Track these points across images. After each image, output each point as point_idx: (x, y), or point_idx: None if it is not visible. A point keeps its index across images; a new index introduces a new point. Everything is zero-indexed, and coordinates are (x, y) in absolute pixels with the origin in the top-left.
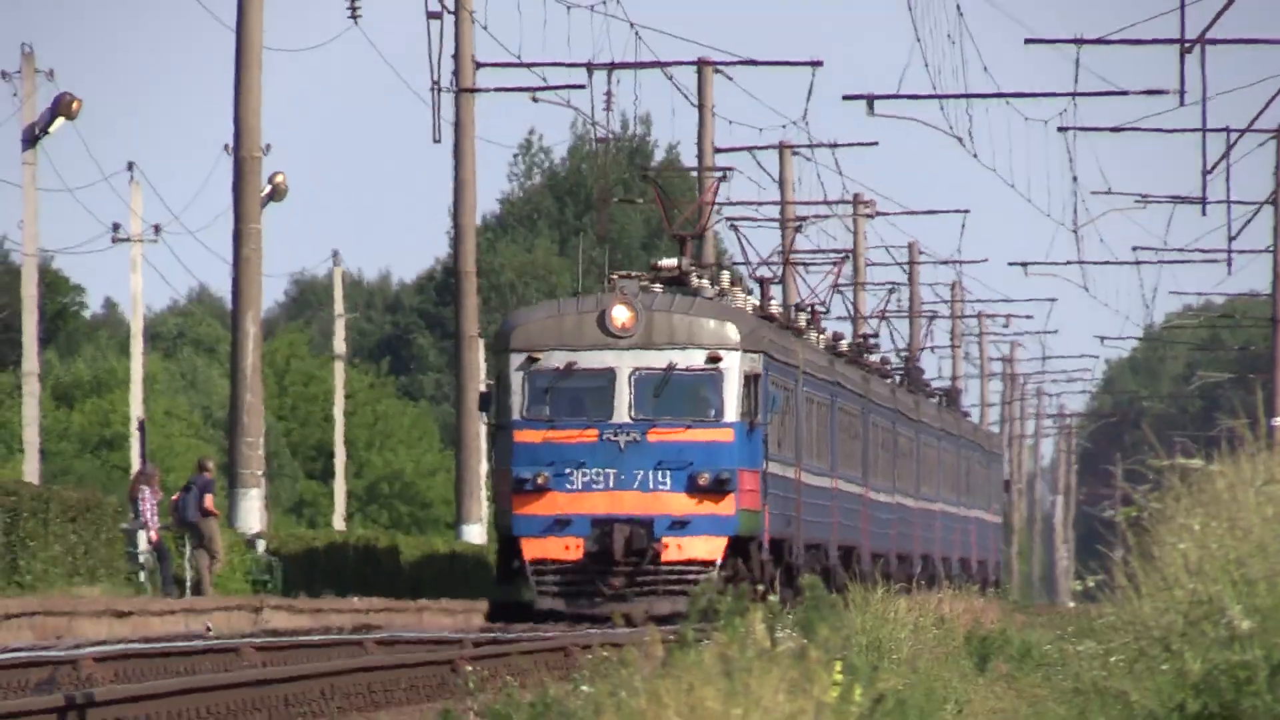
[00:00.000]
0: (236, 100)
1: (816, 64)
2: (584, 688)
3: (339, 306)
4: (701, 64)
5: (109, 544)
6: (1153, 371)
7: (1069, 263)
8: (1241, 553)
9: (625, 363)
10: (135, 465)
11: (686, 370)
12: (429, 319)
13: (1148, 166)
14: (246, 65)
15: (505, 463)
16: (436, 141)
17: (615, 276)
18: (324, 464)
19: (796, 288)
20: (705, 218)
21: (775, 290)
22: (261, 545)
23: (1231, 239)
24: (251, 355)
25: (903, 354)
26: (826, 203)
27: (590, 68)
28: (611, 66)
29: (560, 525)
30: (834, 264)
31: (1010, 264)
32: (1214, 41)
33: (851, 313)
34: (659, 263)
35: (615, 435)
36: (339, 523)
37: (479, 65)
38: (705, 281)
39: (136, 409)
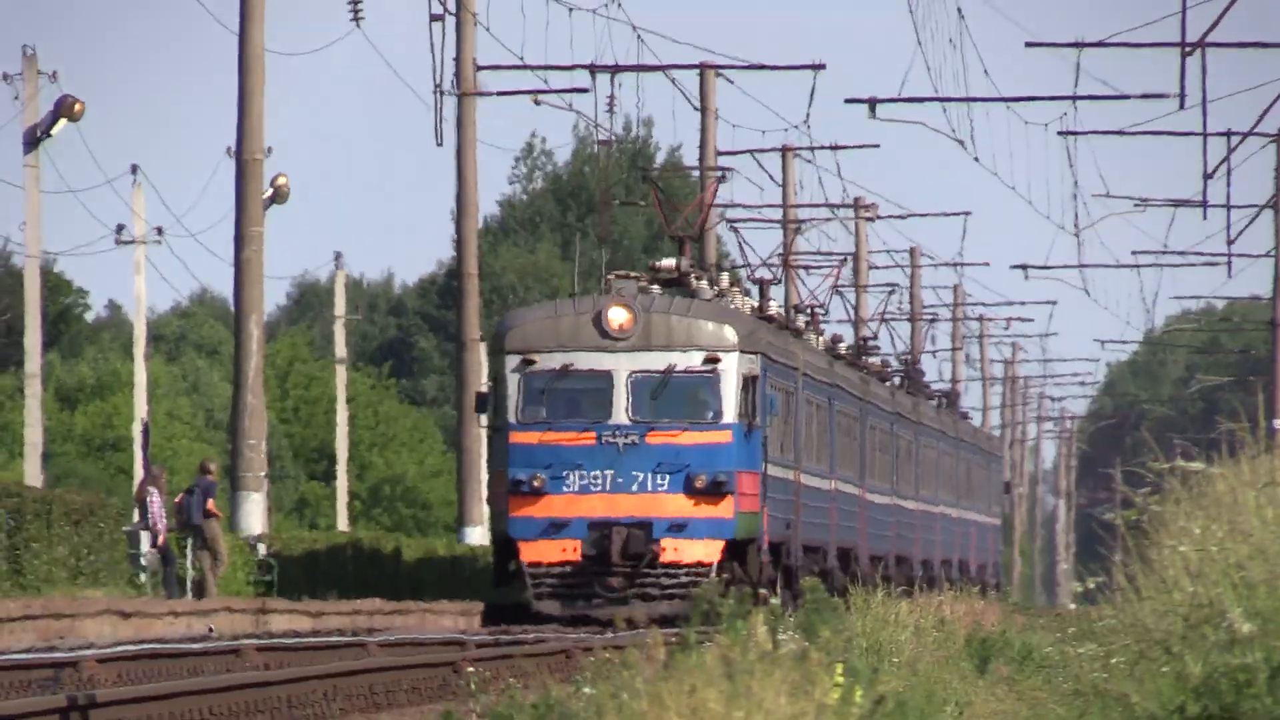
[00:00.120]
0: (239, 103)
1: (819, 67)
2: (586, 689)
3: (341, 309)
4: (704, 67)
5: (112, 546)
6: (1153, 375)
7: (1070, 266)
8: (1242, 556)
9: (623, 365)
10: (138, 467)
11: (684, 372)
12: (431, 322)
13: (1148, 170)
14: (249, 68)
15: (501, 465)
16: (439, 144)
17: (613, 277)
18: (326, 466)
19: (797, 290)
20: (704, 218)
21: (775, 292)
22: (263, 547)
23: (1231, 243)
24: (254, 358)
25: (903, 357)
26: (828, 205)
27: (593, 70)
28: (614, 69)
29: (557, 528)
30: (834, 266)
31: (1011, 267)
32: (1214, 45)
33: (852, 315)
34: (657, 264)
35: (614, 437)
36: (342, 524)
37: (481, 68)
38: (704, 283)
39: (139, 411)
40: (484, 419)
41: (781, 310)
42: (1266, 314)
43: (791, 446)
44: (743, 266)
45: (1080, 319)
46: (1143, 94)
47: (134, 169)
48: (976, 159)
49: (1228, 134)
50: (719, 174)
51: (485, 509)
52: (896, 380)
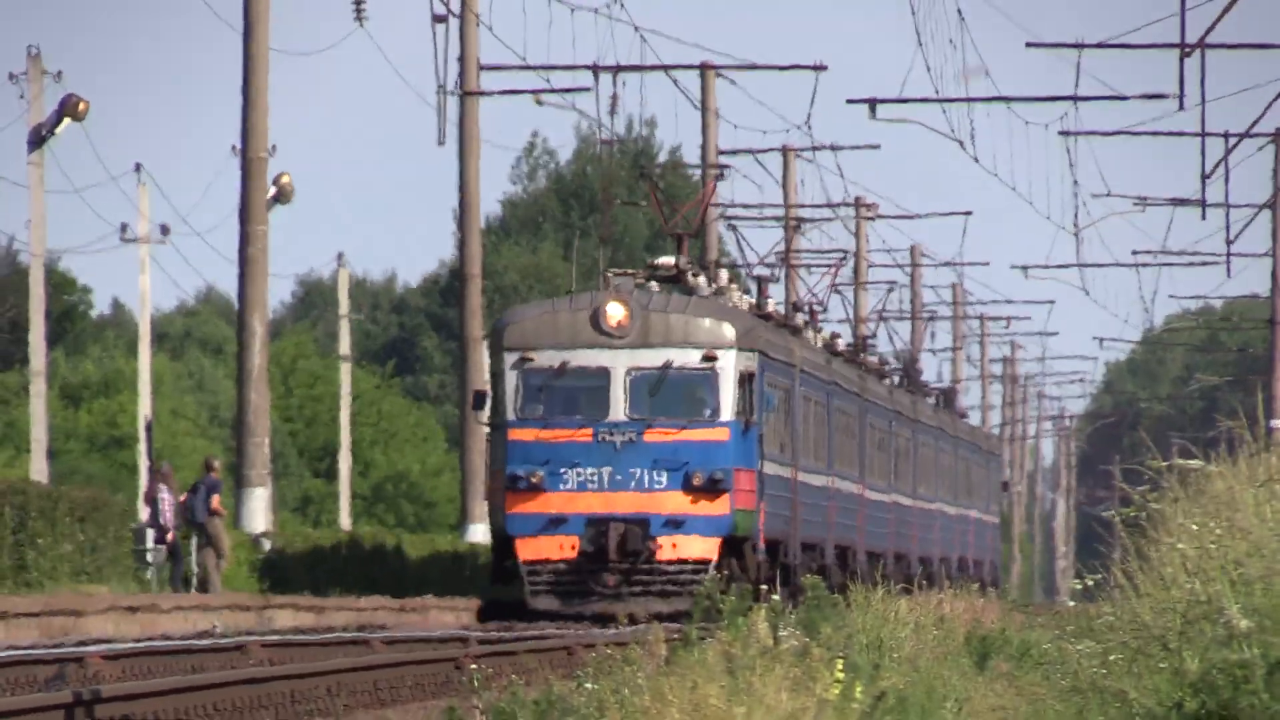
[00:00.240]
0: (244, 102)
1: (820, 68)
2: (588, 685)
3: (344, 308)
4: (705, 67)
5: (116, 543)
6: (1152, 373)
7: (1069, 265)
8: (1239, 553)
9: (620, 362)
10: (143, 465)
11: (682, 369)
12: (434, 320)
13: (1147, 170)
14: (253, 68)
15: (499, 462)
16: (441, 144)
17: (611, 274)
18: (329, 464)
19: (797, 289)
20: (701, 216)
21: (774, 290)
22: (266, 544)
23: (1230, 242)
24: (258, 356)
25: (903, 355)
26: (829, 205)
27: (595, 70)
28: (616, 70)
29: (554, 524)
30: (833, 264)
31: (1011, 266)
32: (1213, 46)
33: (851, 314)
34: (655, 261)
35: (611, 434)
36: (345, 522)
37: (483, 68)
38: (702, 280)
39: (144, 409)
40: (483, 416)
41: (780, 308)
42: (1265, 313)
43: (789, 444)
44: (742, 266)
45: (1079, 318)
46: (1142, 94)
47: (138, 168)
48: (976, 159)
49: (1226, 134)
50: (717, 171)
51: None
52: (895, 378)
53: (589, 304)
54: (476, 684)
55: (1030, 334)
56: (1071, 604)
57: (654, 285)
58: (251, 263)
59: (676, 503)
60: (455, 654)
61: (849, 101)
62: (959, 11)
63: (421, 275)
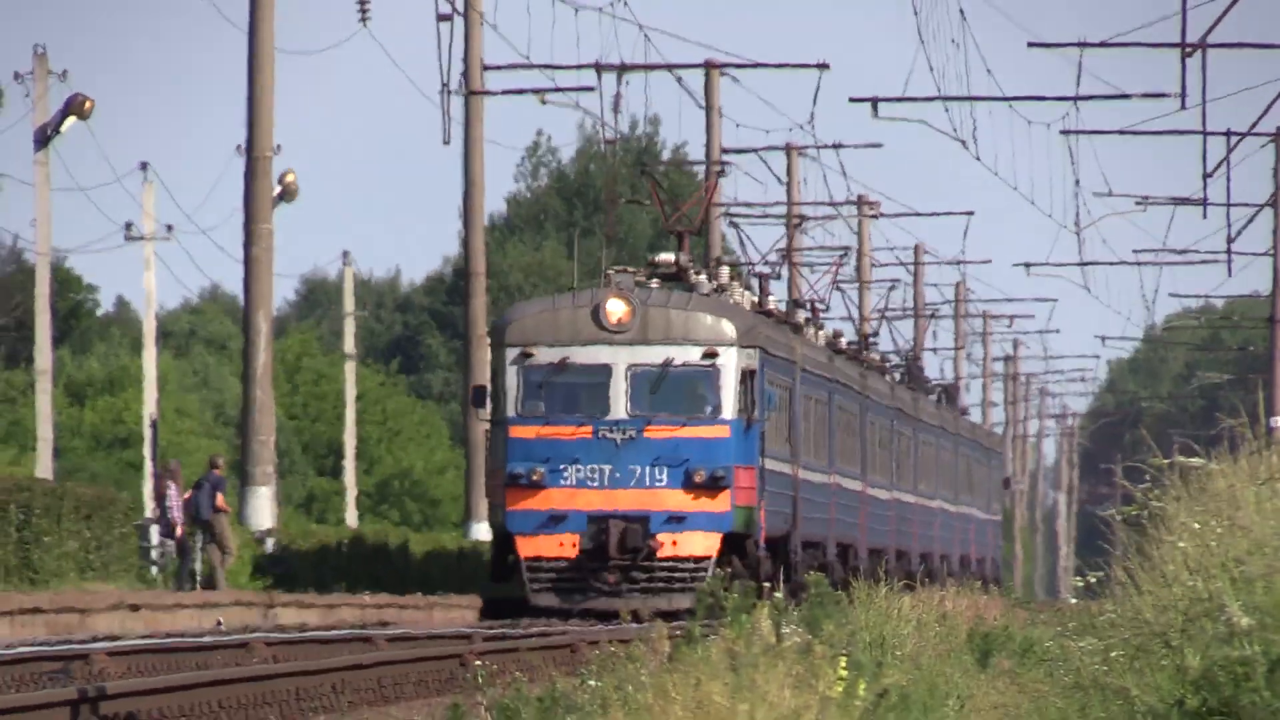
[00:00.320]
0: (248, 101)
1: (823, 66)
2: (592, 683)
3: (349, 306)
4: (709, 66)
5: (121, 540)
6: (1153, 372)
7: (1071, 264)
8: (1240, 551)
9: (621, 358)
10: (148, 463)
11: (683, 366)
12: (438, 319)
13: (1149, 169)
14: (258, 67)
15: (500, 459)
16: (446, 143)
17: (612, 272)
18: (334, 461)
19: (799, 287)
20: (703, 213)
21: (777, 288)
22: (271, 542)
23: (1231, 241)
24: (263, 354)
25: (905, 353)
26: (832, 204)
27: (599, 69)
28: (620, 68)
29: (555, 521)
30: (834, 261)
31: (1014, 265)
32: (1215, 45)
33: (854, 312)
34: (656, 258)
35: (611, 431)
36: (350, 519)
37: (488, 67)
38: (703, 277)
39: (149, 407)
40: (483, 413)
41: (781, 305)
42: (1266, 311)
43: (790, 441)
44: (744, 264)
45: (1081, 316)
46: (1143, 94)
47: (143, 166)
48: (979, 158)
49: (1227, 133)
50: (718, 168)
51: None
52: (896, 376)
53: (590, 301)
54: (480, 681)
55: (1032, 332)
56: (1074, 601)
57: (655, 282)
58: (256, 261)
59: (677, 500)
60: (459, 651)
61: (852, 100)
62: (961, 11)
63: (426, 273)
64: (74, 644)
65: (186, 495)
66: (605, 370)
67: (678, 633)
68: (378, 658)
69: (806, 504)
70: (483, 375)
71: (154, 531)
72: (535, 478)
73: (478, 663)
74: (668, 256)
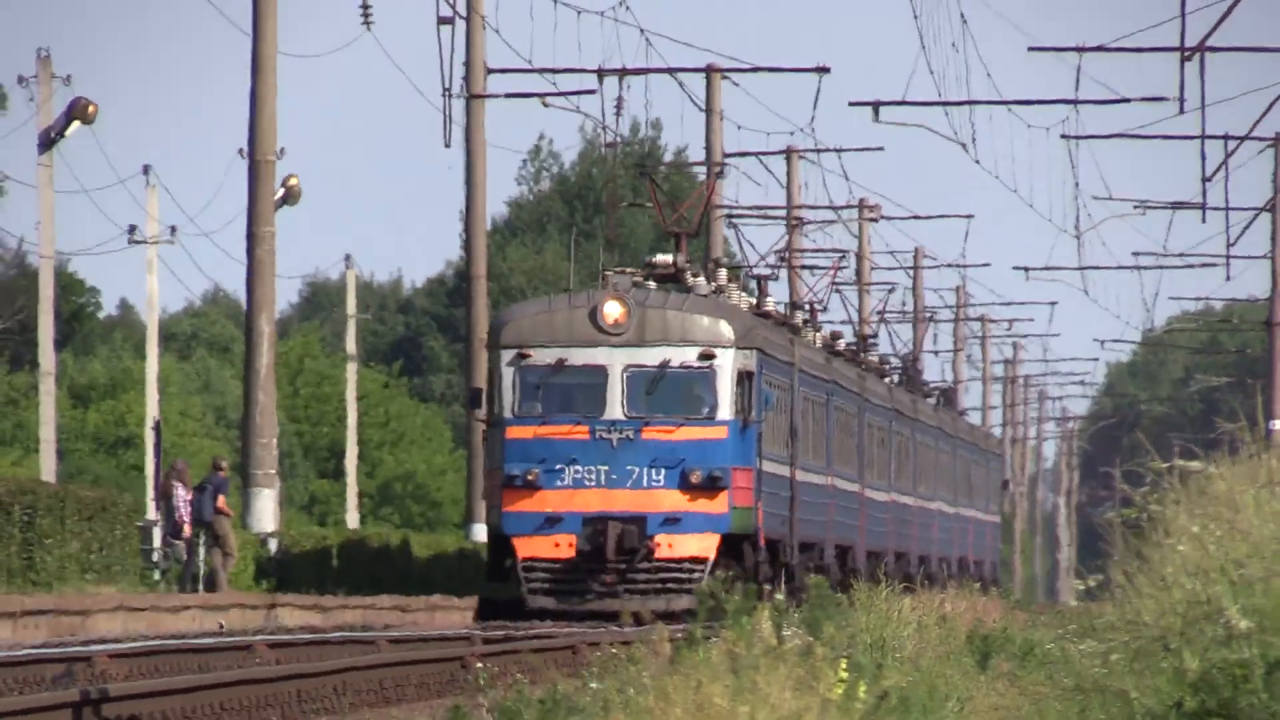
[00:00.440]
0: (251, 105)
1: (824, 70)
2: (593, 685)
3: (352, 308)
4: (710, 70)
5: (124, 542)
6: (1152, 375)
7: (1070, 268)
8: (1239, 554)
9: (618, 359)
10: (150, 465)
11: (680, 367)
12: (440, 321)
13: (1148, 173)
14: (261, 70)
15: (496, 460)
16: (447, 146)
17: (609, 273)
18: (336, 463)
19: (799, 289)
20: (701, 214)
21: (776, 289)
22: (274, 544)
23: (1230, 244)
24: (265, 356)
25: (904, 356)
26: (832, 207)
27: (600, 73)
28: (622, 72)
29: (551, 523)
30: (832, 264)
31: (1013, 268)
32: (1214, 49)
33: (853, 314)
34: (654, 259)
35: (608, 432)
36: (352, 521)
37: (490, 71)
38: (700, 279)
39: (152, 409)
40: (479, 414)
41: (779, 307)
42: (1264, 315)
43: (788, 443)
44: (744, 268)
45: (1081, 320)
46: (1142, 98)
47: (146, 170)
48: (978, 162)
49: (1226, 138)
50: (717, 169)
51: None
52: (895, 378)
53: (587, 302)
54: (482, 683)
55: (1032, 335)
56: (1073, 604)
57: (653, 284)
58: (259, 264)
59: (674, 501)
60: (461, 653)
61: (852, 104)
62: (961, 15)
63: (427, 276)
64: (76, 646)
65: (189, 496)
66: (602, 371)
67: (679, 635)
68: (379, 659)
69: (804, 505)
70: (482, 377)
71: (156, 534)
72: (532, 479)
73: (479, 664)
74: (665, 258)
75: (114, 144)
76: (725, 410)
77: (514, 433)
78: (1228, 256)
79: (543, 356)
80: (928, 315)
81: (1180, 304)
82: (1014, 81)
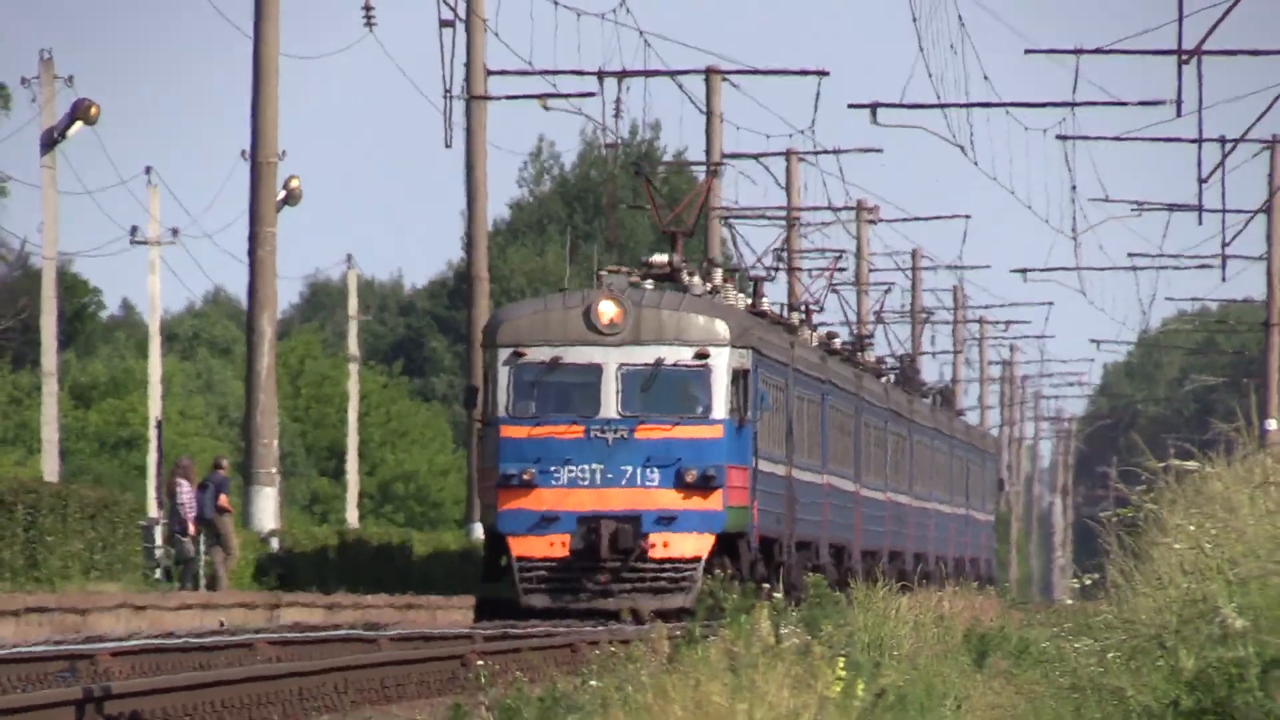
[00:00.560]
0: (253, 106)
1: (823, 73)
2: (592, 683)
3: (353, 309)
4: (710, 72)
5: (126, 540)
6: (1149, 376)
7: (1067, 269)
8: (1235, 553)
9: (612, 358)
10: (152, 465)
11: (675, 366)
12: (441, 322)
13: (1145, 175)
14: (263, 72)
15: (491, 459)
16: (448, 147)
17: (604, 273)
18: (337, 463)
19: (797, 291)
20: (697, 214)
21: (774, 289)
22: (275, 543)
23: (1226, 246)
24: (266, 356)
25: (901, 356)
26: (831, 208)
27: (600, 75)
28: (622, 74)
29: (546, 522)
30: (830, 265)
31: (1011, 270)
32: (1210, 53)
33: (851, 315)
34: (649, 259)
35: (603, 431)
36: (353, 520)
37: (490, 73)
38: (696, 278)
39: (154, 409)
40: (475, 413)
41: (775, 306)
42: (1260, 316)
43: (783, 442)
44: (739, 270)
45: (1077, 321)
46: (1140, 100)
47: (148, 171)
48: (976, 163)
49: (1223, 140)
50: (711, 168)
51: None
52: (891, 377)
53: (581, 301)
54: (482, 681)
55: (1029, 336)
56: (1069, 602)
57: (649, 284)
58: (261, 264)
59: (668, 500)
60: (461, 651)
61: (851, 106)
62: (960, 18)
63: (428, 277)
64: (79, 644)
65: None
66: (596, 370)
67: (677, 633)
68: (380, 658)
69: (800, 505)
70: (479, 376)
71: (158, 533)
72: (527, 478)
73: (479, 663)
74: (661, 257)
75: (116, 145)
76: (720, 409)
77: (509, 432)
78: (1223, 257)
79: (538, 356)
80: (925, 316)
81: (1176, 305)
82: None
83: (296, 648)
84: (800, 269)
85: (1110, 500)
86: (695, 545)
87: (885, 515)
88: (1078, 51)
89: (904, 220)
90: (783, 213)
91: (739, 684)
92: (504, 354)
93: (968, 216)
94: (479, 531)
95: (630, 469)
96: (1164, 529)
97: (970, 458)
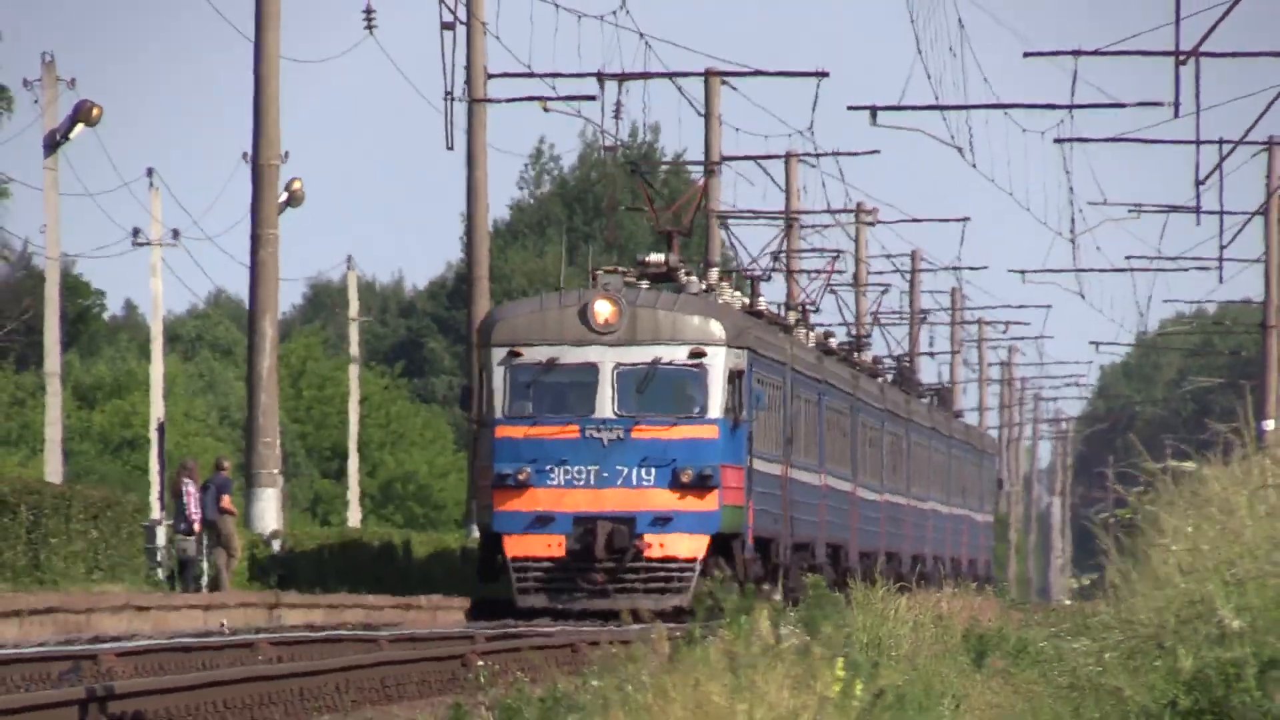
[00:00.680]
0: (255, 109)
1: (822, 75)
2: (593, 683)
3: (354, 310)
4: (709, 74)
5: (129, 541)
6: (1147, 377)
7: (1066, 270)
8: (1232, 554)
9: (608, 358)
10: (155, 465)
11: (670, 366)
12: (442, 323)
13: (1142, 177)
14: (265, 75)
15: (487, 459)
16: (449, 149)
17: (600, 272)
18: (339, 464)
19: (795, 292)
20: (693, 213)
21: (771, 290)
22: (277, 544)
23: (1223, 248)
24: (268, 357)
25: (899, 357)
26: (830, 211)
27: (600, 78)
28: (621, 77)
29: (542, 522)
30: (827, 263)
31: (1009, 271)
32: (1208, 55)
33: (848, 315)
34: (645, 258)
35: (598, 431)
36: (354, 521)
37: (491, 76)
38: (693, 278)
39: (156, 410)
40: (469, 414)
41: (772, 307)
42: (1257, 317)
43: (779, 442)
44: (737, 270)
45: (1076, 322)
46: (1137, 102)
47: (150, 173)
48: (975, 165)
49: (1220, 142)
50: (708, 167)
51: None
52: (889, 378)
53: (577, 301)
54: (483, 681)
55: (1027, 338)
56: (1068, 603)
57: (645, 283)
58: (262, 266)
59: (664, 500)
60: (462, 651)
61: (850, 108)
62: (959, 20)
63: (429, 278)
64: (82, 644)
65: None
66: (592, 370)
67: (677, 634)
68: (381, 658)
69: (796, 505)
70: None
71: (160, 533)
72: (522, 478)
73: (480, 663)
74: (657, 257)
75: (118, 147)
76: (716, 409)
77: (504, 432)
78: (1221, 259)
79: (533, 355)
80: (922, 316)
81: (1174, 306)
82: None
83: (298, 648)
84: (799, 271)
85: (1109, 501)
86: (691, 546)
87: (882, 516)
88: (1076, 53)
89: (903, 222)
90: (781, 215)
91: (739, 684)
92: (499, 353)
93: (966, 218)
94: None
95: (626, 469)
96: (1162, 530)
97: (968, 458)
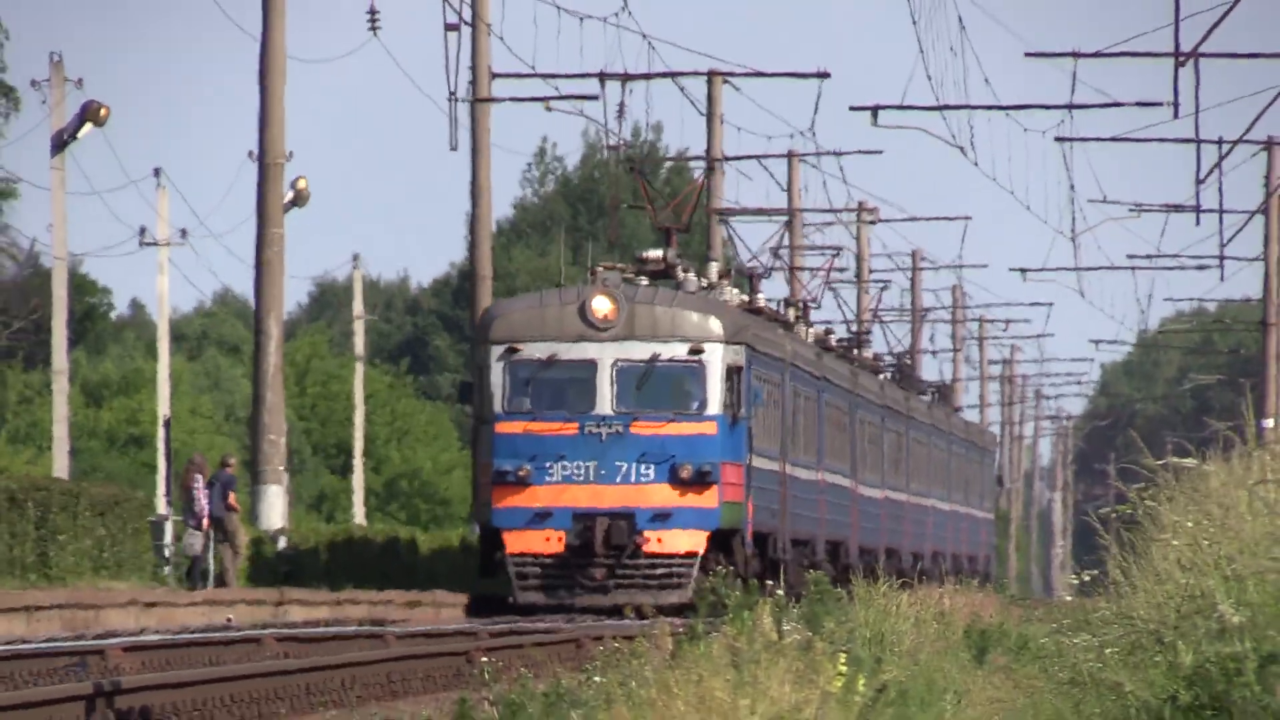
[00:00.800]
0: (261, 109)
1: (824, 75)
2: (596, 678)
3: (359, 308)
4: (711, 74)
5: (136, 538)
6: (1147, 375)
7: (1066, 269)
8: (1232, 550)
9: (607, 354)
10: (161, 463)
11: (669, 362)
12: (446, 321)
13: (1142, 176)
14: (270, 75)
15: (486, 455)
16: (453, 149)
17: (599, 268)
18: (344, 461)
19: (797, 290)
20: (691, 210)
21: (771, 287)
22: (282, 540)
23: (1223, 246)
24: (273, 355)
25: (899, 354)
26: (832, 210)
27: (603, 78)
28: (624, 77)
29: (541, 518)
30: (827, 262)
31: (1010, 270)
32: (1207, 55)
33: (849, 313)
34: (644, 255)
35: (597, 427)
36: (360, 518)
37: (494, 75)
38: (691, 274)
39: (163, 408)
40: (468, 409)
41: (772, 304)
42: (1257, 315)
43: (779, 438)
44: (735, 267)
45: (1076, 320)
46: (1137, 102)
47: (157, 172)
48: (976, 165)
49: (1220, 141)
50: (708, 164)
51: None
52: (888, 374)
53: (576, 297)
54: (487, 676)
55: (1028, 336)
56: (1068, 599)
57: (644, 280)
58: (268, 265)
59: (663, 496)
60: (466, 647)
61: (852, 108)
62: (959, 20)
63: (433, 277)
64: (90, 639)
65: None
66: (591, 366)
67: (680, 630)
68: (387, 654)
69: (795, 501)
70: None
71: (168, 529)
72: (521, 474)
73: (484, 659)
74: (655, 253)
75: (125, 147)
76: (714, 405)
77: (504, 428)
78: (1221, 258)
79: (532, 352)
80: (923, 314)
81: (1174, 305)
82: (1011, 86)
83: (304, 644)
84: (800, 268)
85: (1109, 497)
86: (690, 542)
87: (882, 512)
88: (1076, 54)
89: (904, 221)
90: (783, 212)
91: (741, 679)
92: (498, 350)
93: (967, 217)
94: None
95: (625, 465)
96: (1162, 526)
97: (969, 454)
